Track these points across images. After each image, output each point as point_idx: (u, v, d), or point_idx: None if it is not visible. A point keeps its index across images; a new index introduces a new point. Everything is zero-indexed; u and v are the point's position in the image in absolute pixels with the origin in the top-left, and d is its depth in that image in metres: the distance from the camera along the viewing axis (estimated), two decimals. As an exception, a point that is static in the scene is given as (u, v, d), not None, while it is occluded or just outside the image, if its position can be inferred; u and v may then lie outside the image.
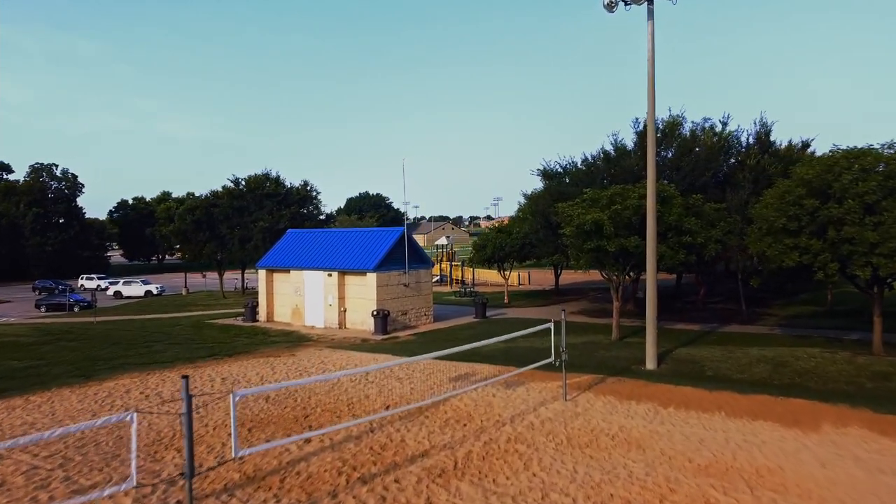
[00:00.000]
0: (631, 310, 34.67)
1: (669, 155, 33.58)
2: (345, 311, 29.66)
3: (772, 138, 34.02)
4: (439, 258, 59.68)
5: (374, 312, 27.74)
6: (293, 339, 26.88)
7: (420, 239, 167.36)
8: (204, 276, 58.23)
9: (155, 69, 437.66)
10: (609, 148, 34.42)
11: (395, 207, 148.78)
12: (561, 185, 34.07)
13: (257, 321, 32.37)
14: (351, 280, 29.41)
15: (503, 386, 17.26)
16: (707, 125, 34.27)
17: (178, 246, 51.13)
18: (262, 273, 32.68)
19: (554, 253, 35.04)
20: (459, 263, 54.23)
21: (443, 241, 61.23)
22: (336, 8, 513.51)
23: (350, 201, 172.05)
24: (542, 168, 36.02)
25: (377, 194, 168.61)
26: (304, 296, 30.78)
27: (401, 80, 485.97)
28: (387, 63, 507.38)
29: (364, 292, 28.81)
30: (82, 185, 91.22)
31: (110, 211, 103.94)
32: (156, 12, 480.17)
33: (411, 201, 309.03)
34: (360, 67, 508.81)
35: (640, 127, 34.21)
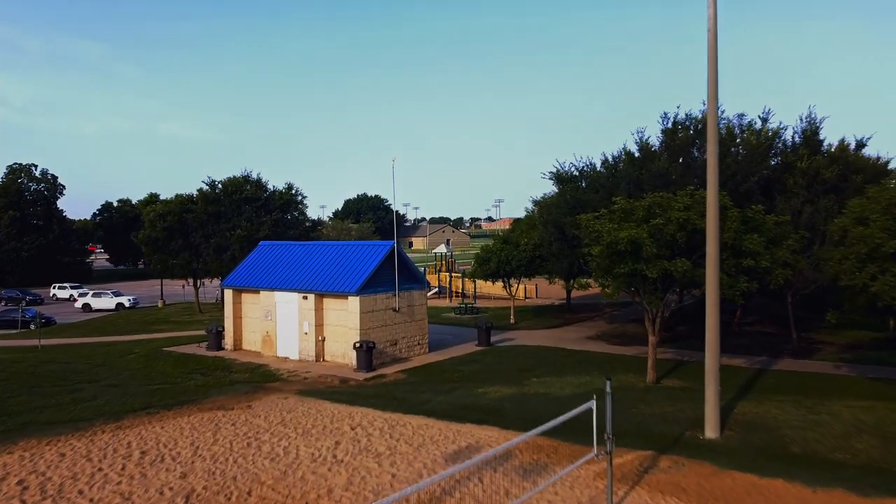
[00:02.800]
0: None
1: (704, 156, 28.91)
2: (323, 340, 24.97)
3: (820, 137, 29.44)
4: (438, 268, 54.91)
5: (357, 345, 23.04)
6: (258, 379, 22.19)
7: (419, 242, 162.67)
8: (184, 287, 53.52)
9: (151, 69, 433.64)
10: (633, 148, 29.71)
11: (393, 202, 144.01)
12: (578, 190, 29.37)
13: (223, 349, 27.67)
14: (330, 304, 24.72)
15: (518, 471, 12.58)
16: (744, 122, 29.63)
17: (152, 255, 46.30)
18: (228, 293, 27.96)
19: (570, 268, 30.34)
20: (460, 275, 49.46)
21: (442, 248, 56.37)
22: (338, 5, 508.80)
23: (348, 203, 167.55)
24: (555, 171, 31.31)
25: (375, 196, 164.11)
26: (276, 321, 26.08)
27: (400, 80, 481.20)
28: (386, 63, 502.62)
29: (345, 319, 24.12)
30: (63, 186, 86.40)
31: (94, 213, 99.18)
32: (156, 12, 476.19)
33: (411, 203, 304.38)
34: (360, 67, 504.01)
35: (669, 123, 29.55)
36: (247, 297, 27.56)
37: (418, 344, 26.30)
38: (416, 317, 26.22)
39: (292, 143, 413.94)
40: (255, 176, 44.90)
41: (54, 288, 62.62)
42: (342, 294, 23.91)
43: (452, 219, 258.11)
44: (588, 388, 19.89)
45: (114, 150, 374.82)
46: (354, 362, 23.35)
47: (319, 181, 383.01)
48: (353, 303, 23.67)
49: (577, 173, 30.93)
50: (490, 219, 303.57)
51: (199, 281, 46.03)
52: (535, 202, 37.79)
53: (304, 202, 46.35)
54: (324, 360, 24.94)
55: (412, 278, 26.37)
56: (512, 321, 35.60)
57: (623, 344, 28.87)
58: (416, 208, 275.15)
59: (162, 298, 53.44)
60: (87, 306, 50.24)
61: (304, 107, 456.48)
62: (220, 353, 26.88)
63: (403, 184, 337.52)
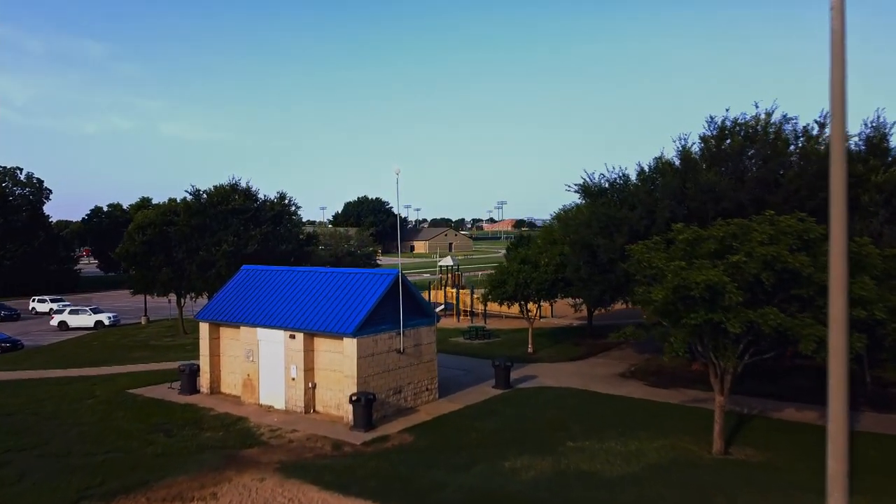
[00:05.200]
0: (697, 370, 25.97)
1: (754, 168, 24.93)
2: (313, 387, 21.01)
3: (890, 144, 25.46)
4: (444, 282, 50.92)
5: (354, 398, 19.06)
6: (232, 441, 18.18)
7: (420, 245, 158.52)
8: (169, 301, 49.60)
9: (151, 69, 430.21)
10: (673, 157, 25.73)
11: (396, 213, 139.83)
12: (610, 206, 25.36)
13: (198, 392, 23.70)
14: (322, 345, 20.76)
15: None
16: (797, 127, 25.58)
17: (131, 271, 42.28)
18: (203, 328, 23.93)
19: (601, 296, 26.34)
20: (469, 290, 45.46)
21: (448, 261, 52.34)
22: (344, 9, 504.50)
23: (348, 206, 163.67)
24: (582, 183, 27.31)
25: (376, 199, 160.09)
26: (258, 363, 22.11)
27: (402, 80, 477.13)
28: (387, 62, 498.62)
29: (340, 363, 20.14)
30: (49, 190, 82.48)
31: (83, 218, 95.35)
32: (154, 10, 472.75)
33: (412, 204, 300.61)
34: (361, 67, 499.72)
35: (715, 129, 25.58)
36: (226, 332, 23.59)
37: (426, 389, 22.31)
38: (425, 358, 22.23)
39: (293, 145, 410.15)
40: (243, 184, 40.92)
41: (34, 301, 58.55)
42: (336, 335, 19.93)
43: (454, 220, 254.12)
44: (641, 463, 15.97)
45: (111, 151, 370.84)
46: (350, 417, 19.37)
47: (320, 183, 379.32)
48: (350, 345, 19.69)
49: (608, 185, 26.92)
50: (492, 220, 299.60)
51: (182, 298, 42.03)
52: (555, 216, 33.83)
53: (298, 213, 42.40)
54: (315, 410, 20.96)
55: (419, 311, 22.38)
56: (530, 350, 31.60)
57: (663, 385, 24.89)
58: (417, 210, 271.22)
59: (145, 315, 49.42)
60: (63, 324, 46.12)
61: (305, 107, 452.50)
62: (194, 399, 22.88)
63: (404, 185, 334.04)
